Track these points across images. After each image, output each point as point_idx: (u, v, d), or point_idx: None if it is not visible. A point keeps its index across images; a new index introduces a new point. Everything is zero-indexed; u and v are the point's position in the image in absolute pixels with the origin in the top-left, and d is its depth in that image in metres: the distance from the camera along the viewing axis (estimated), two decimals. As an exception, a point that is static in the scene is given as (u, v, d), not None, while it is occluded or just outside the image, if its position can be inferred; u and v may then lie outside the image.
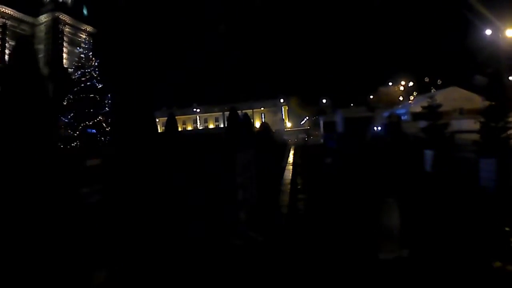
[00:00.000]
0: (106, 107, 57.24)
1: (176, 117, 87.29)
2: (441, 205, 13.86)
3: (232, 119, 46.33)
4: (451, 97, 55.12)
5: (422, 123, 44.89)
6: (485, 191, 15.71)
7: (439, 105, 24.52)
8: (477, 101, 53.78)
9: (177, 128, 47.03)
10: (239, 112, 48.85)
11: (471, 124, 36.66)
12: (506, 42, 56.57)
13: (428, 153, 20.94)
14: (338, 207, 14.78)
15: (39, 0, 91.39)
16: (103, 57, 77.87)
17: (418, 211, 12.72)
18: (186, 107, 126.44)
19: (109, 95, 57.87)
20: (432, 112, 22.43)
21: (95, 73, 60.19)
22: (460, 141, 24.47)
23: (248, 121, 46.98)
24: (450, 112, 53.25)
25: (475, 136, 18.82)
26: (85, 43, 72.82)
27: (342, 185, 19.55)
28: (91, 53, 62.70)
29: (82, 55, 61.97)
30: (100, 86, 59.71)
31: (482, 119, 18.20)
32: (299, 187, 20.71)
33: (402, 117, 53.89)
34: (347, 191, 17.40)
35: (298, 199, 17.25)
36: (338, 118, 52.20)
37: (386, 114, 59.19)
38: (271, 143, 35.08)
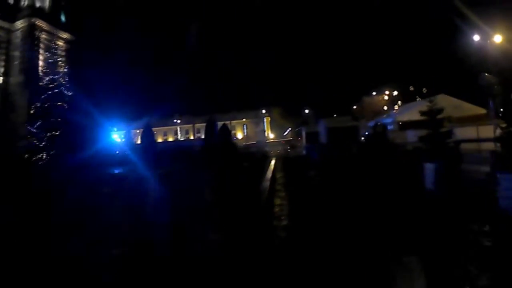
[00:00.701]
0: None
1: (158, 128, 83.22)
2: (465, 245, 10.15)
3: (210, 131, 42.74)
4: (439, 105, 51.56)
5: (411, 133, 41.87)
6: (507, 214, 12.19)
7: (441, 110, 20.82)
8: (466, 109, 50.84)
9: (154, 139, 43.13)
10: (220, 123, 45.40)
11: (462, 132, 33.66)
12: (495, 48, 54.05)
13: (430, 167, 17.14)
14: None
15: (15, 6, 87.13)
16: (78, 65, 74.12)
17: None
18: (168, 118, 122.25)
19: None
20: (433, 119, 18.63)
21: (64, 80, 56.65)
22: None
23: (227, 133, 43.38)
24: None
25: (474, 146, 15.75)
26: (61, 50, 69.10)
27: (328, 215, 15.78)
28: (61, 59, 59.12)
29: (50, 60, 57.77)
30: (70, 93, 55.64)
31: (503, 124, 14.33)
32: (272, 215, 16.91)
33: (388, 127, 50.40)
34: (335, 229, 13.45)
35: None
36: (321, 128, 48.62)
37: (371, 124, 55.89)
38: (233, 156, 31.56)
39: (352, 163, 31.69)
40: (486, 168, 15.93)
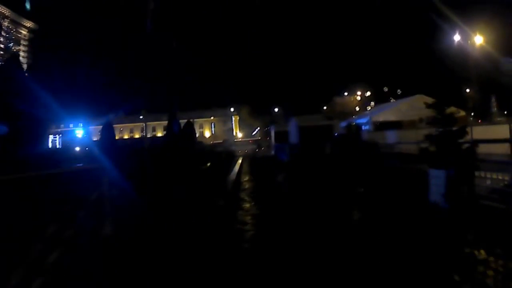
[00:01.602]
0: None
1: (124, 125, 78.71)
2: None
3: (171, 128, 38.38)
4: (417, 105, 48.17)
5: (391, 134, 38.00)
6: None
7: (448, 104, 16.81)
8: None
9: (114, 137, 38.88)
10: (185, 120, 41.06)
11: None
12: (475, 49, 51.11)
13: (438, 175, 12.87)
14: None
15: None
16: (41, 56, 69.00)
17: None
18: (135, 115, 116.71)
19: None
20: (442, 113, 14.32)
21: (24, 71, 52.02)
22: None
23: (190, 130, 39.03)
24: (416, 122, 46.50)
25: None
26: (24, 39, 64.46)
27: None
28: (12, 43, 54.96)
29: (1, 45, 53.02)
30: (29, 85, 50.67)
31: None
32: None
33: (364, 127, 46.63)
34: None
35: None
36: (291, 127, 44.38)
37: (343, 124, 52.13)
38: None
39: (326, 166, 27.61)
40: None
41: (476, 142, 12.68)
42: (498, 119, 60.18)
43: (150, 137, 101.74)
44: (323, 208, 14.60)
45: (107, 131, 36.70)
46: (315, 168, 27.65)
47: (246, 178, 27.83)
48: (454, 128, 13.05)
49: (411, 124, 45.03)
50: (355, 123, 47.73)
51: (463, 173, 12.31)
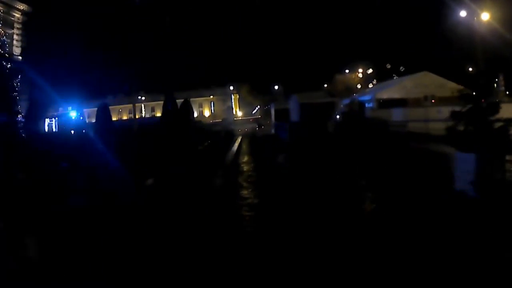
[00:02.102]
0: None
1: (123, 105, 76.45)
2: None
3: (166, 107, 36.51)
4: (422, 83, 46.72)
5: (397, 111, 36.06)
6: None
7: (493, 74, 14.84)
8: (450, 88, 45.44)
9: (110, 118, 37.23)
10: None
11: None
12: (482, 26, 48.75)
13: (466, 159, 10.85)
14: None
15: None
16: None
17: None
18: (135, 95, 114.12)
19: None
20: (478, 85, 12.08)
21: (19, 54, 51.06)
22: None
23: (187, 109, 37.15)
24: (421, 99, 44.65)
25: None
26: (17, 22, 62.10)
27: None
28: (16, 31, 53.34)
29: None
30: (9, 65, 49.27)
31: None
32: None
33: (367, 105, 44.69)
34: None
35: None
36: (292, 104, 42.37)
37: (346, 101, 50.16)
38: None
39: (330, 146, 25.71)
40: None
41: (510, 121, 10.61)
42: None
43: (140, 117, 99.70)
44: (330, 197, 12.62)
45: (103, 113, 34.83)
46: (318, 148, 25.78)
47: (244, 159, 25.86)
48: (485, 104, 11.01)
49: (416, 102, 43.22)
50: (358, 100, 45.83)
51: (496, 157, 10.35)
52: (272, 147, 31.84)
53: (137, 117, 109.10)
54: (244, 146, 36.18)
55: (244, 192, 14.29)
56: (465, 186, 10.56)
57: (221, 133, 47.82)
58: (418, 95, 45.10)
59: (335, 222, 9.78)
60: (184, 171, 16.39)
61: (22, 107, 50.08)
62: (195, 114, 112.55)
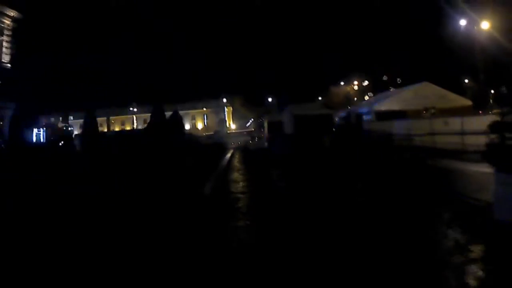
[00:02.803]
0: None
1: (115, 117, 74.58)
2: None
3: (154, 119, 33.93)
4: (422, 94, 44.20)
5: (399, 123, 33.45)
6: None
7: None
8: (451, 100, 43.31)
9: (96, 130, 35.38)
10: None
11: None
12: (482, 35, 46.58)
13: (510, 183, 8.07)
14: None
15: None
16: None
17: None
18: (125, 107, 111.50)
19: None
20: None
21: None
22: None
23: (177, 121, 34.58)
24: (421, 111, 42.19)
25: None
26: (7, 29, 59.86)
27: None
28: (6, 38, 51.74)
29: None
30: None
31: None
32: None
33: (365, 117, 42.16)
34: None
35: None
36: (286, 116, 39.78)
37: (342, 114, 47.58)
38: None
39: (327, 162, 23.10)
40: None
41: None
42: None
43: (132, 129, 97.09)
44: (331, 228, 9.81)
45: (89, 124, 32.34)
46: (314, 164, 23.16)
47: (233, 176, 23.02)
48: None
49: (416, 114, 40.77)
50: (356, 113, 43.34)
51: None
52: (264, 163, 29.17)
53: (128, 128, 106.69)
54: (234, 162, 33.46)
55: (231, 224, 11.45)
56: (510, 215, 7.85)
57: (210, 147, 45.23)
58: (418, 107, 42.59)
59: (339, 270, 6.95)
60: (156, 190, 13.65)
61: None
62: (188, 127, 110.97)
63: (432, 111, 41.36)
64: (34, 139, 63.23)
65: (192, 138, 49.12)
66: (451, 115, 28.86)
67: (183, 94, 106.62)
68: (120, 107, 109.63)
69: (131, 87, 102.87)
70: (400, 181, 15.03)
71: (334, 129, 34.55)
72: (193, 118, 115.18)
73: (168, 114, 33.34)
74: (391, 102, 44.96)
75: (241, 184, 19.00)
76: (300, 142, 31.15)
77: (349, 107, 61.65)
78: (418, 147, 22.51)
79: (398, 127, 31.25)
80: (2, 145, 36.38)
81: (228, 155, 39.41)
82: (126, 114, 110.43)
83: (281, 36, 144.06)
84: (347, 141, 26.99)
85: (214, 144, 49.27)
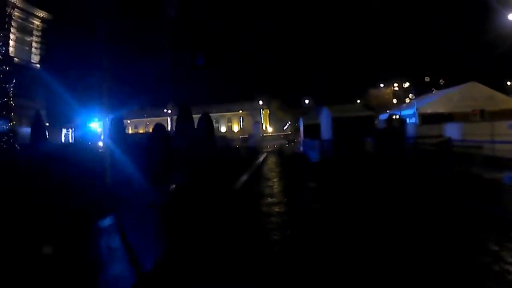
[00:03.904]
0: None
1: (149, 119, 73.62)
2: None
3: (182, 121, 31.58)
4: (470, 95, 39.53)
5: (452, 127, 29.35)
6: None
7: None
8: (500, 101, 38.63)
9: (123, 131, 33.16)
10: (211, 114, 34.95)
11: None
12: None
13: None
14: None
15: (-18, -21, 74.27)
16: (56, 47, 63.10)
17: None
18: (160, 108, 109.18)
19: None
20: None
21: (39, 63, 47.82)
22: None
23: (207, 124, 31.57)
24: (469, 114, 37.74)
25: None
26: (37, 30, 58.50)
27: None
28: (36, 39, 50.92)
29: (12, 36, 48.56)
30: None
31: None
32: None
33: (409, 120, 38.03)
34: None
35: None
36: (323, 119, 36.02)
37: (383, 116, 43.50)
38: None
39: (371, 171, 19.40)
40: None
41: None
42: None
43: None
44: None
45: (115, 126, 29.90)
46: (355, 173, 19.49)
47: (258, 189, 19.41)
48: None
49: (464, 117, 36.49)
50: (398, 115, 39.27)
51: None
52: (298, 171, 25.58)
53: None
54: (263, 169, 29.84)
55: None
56: None
57: (243, 150, 41.87)
58: (465, 109, 38.18)
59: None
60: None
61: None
62: (223, 129, 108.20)
63: (481, 114, 37.14)
64: (63, 139, 61.66)
65: (224, 141, 45.92)
66: (501, 119, 24.91)
67: (220, 96, 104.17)
68: (155, 108, 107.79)
69: (166, 89, 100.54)
70: (471, 203, 11.27)
71: (376, 133, 30.64)
72: (229, 121, 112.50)
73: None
74: (436, 104, 40.65)
75: (266, 200, 15.38)
76: (339, 148, 27.53)
77: (387, 111, 57.44)
78: (481, 156, 18.33)
79: (449, 131, 27.21)
80: (17, 145, 34.06)
81: (260, 160, 35.85)
82: (160, 116, 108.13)
83: (320, 37, 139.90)
84: (391, 147, 23.13)
85: (246, 148, 45.95)
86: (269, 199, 15.37)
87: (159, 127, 26.07)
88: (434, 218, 10.59)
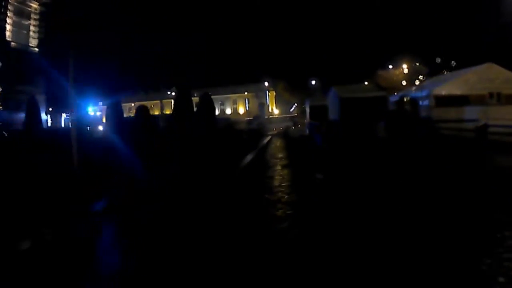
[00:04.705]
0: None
1: (153, 101, 72.64)
2: None
3: (179, 103, 29.38)
4: (487, 76, 36.83)
5: (471, 109, 26.67)
6: None
7: None
8: (518, 84, 35.86)
9: (121, 115, 30.96)
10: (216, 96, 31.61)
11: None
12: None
13: None
14: None
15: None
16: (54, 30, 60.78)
17: None
18: (164, 91, 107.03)
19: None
20: None
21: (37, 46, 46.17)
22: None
23: (207, 106, 29.04)
24: (485, 96, 35.10)
25: None
26: (34, 13, 56.27)
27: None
28: (33, 22, 49.22)
29: (10, 20, 46.41)
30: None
31: None
32: None
33: (421, 102, 35.19)
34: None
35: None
36: (331, 100, 33.37)
37: (394, 98, 40.72)
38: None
39: (383, 157, 16.89)
40: None
41: None
42: None
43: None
44: None
45: (113, 110, 27.59)
46: (366, 161, 16.97)
47: (257, 180, 16.80)
48: None
49: (480, 99, 33.86)
50: (411, 97, 36.55)
51: None
52: (302, 156, 23.03)
53: (166, 113, 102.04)
54: (268, 151, 27.32)
55: None
56: None
57: (247, 133, 39.30)
58: (481, 91, 35.51)
59: None
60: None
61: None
62: (229, 111, 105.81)
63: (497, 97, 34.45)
64: (63, 124, 59.76)
65: (226, 124, 43.52)
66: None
67: (225, 78, 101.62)
68: (158, 91, 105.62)
69: (170, 71, 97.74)
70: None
71: (389, 116, 27.95)
72: (235, 103, 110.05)
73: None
74: (451, 85, 37.84)
75: (264, 197, 12.76)
76: (348, 131, 24.94)
77: (395, 94, 54.53)
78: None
79: (469, 115, 24.57)
80: (4, 133, 31.98)
81: (263, 143, 33.33)
82: (165, 98, 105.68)
83: (326, 17, 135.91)
84: (408, 132, 20.49)
85: (250, 130, 43.40)
86: (268, 196, 12.76)
87: (142, 109, 23.41)
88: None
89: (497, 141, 15.74)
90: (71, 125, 56.35)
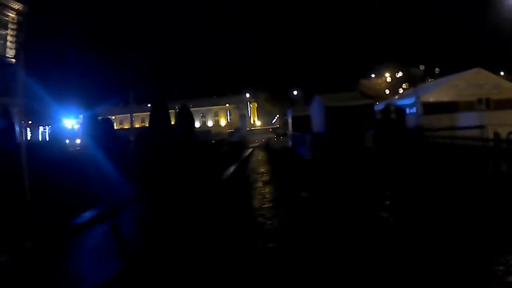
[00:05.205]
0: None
1: (136, 114, 70.14)
2: None
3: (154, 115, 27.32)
4: (475, 82, 35.17)
5: (466, 116, 25.10)
6: None
7: None
8: (507, 89, 34.50)
9: (99, 128, 28.91)
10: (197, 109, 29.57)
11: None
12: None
13: None
14: None
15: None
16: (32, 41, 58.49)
17: None
18: (145, 104, 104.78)
19: None
20: None
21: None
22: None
23: (186, 118, 26.76)
24: (474, 103, 33.55)
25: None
26: (12, 23, 54.09)
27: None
28: (10, 33, 46.63)
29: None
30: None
31: None
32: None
33: (408, 110, 33.59)
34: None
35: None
36: (314, 109, 31.50)
37: (379, 106, 38.98)
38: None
39: (373, 172, 15.02)
40: None
41: None
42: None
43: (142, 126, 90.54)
44: None
45: (90, 123, 25.40)
46: (355, 176, 15.10)
47: (234, 202, 14.75)
48: None
49: (469, 106, 32.41)
50: (395, 105, 34.93)
51: None
52: (286, 171, 21.14)
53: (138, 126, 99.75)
54: (247, 166, 25.36)
55: None
56: None
57: (226, 146, 37.32)
58: (470, 98, 33.97)
59: None
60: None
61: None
62: (210, 124, 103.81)
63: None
64: (40, 137, 57.55)
65: (206, 137, 41.63)
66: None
67: (207, 90, 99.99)
68: (140, 103, 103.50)
69: (149, 83, 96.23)
70: None
71: (377, 126, 26.24)
72: (216, 115, 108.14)
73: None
74: (439, 92, 36.36)
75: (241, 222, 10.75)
76: (334, 142, 23.09)
77: (377, 103, 53.13)
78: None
79: (465, 121, 22.98)
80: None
81: (243, 157, 31.40)
82: (146, 111, 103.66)
83: (306, 26, 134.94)
84: (399, 143, 18.78)
85: (230, 143, 41.48)
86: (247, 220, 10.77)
87: (105, 121, 21.34)
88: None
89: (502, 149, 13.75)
90: (49, 138, 53.80)
